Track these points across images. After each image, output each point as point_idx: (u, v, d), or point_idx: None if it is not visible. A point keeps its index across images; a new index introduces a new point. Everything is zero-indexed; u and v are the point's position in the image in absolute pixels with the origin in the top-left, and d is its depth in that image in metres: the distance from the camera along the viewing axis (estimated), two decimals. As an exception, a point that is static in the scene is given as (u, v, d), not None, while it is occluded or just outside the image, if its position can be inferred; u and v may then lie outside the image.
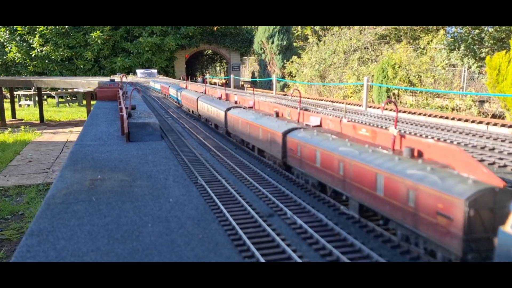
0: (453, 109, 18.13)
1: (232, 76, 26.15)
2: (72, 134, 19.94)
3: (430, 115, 10.29)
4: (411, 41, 24.69)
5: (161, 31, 36.17)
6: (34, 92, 31.31)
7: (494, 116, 16.18)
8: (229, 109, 6.46)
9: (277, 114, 6.70)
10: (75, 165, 4.78)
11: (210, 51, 46.85)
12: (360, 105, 14.32)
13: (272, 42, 34.17)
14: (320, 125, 5.35)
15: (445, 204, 2.31)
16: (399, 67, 19.90)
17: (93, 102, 21.92)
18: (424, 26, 24.61)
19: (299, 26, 38.79)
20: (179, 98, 12.13)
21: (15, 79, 26.47)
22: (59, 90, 33.49)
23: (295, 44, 35.79)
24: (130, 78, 27.55)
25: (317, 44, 29.13)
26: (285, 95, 21.95)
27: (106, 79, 21.43)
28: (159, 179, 4.34)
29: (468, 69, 20.17)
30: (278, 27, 33.78)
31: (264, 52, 35.50)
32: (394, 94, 20.01)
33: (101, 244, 2.78)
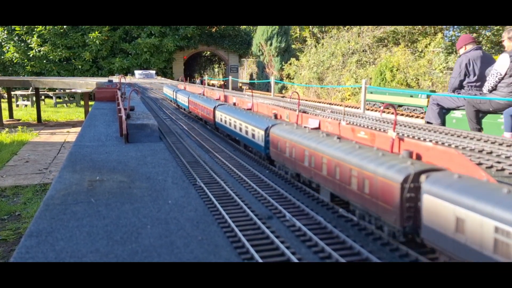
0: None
1: (230, 77, 26.17)
2: (70, 135, 19.91)
3: (428, 118, 10.31)
4: (409, 44, 24.77)
5: (159, 32, 36.18)
6: (32, 92, 31.23)
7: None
8: None
9: (275, 116, 6.72)
10: (73, 166, 4.78)
11: (208, 52, 46.89)
12: (358, 108, 14.35)
13: (271, 44, 34.23)
14: (318, 128, 5.36)
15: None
16: (397, 70, 19.98)
17: (91, 103, 21.91)
18: (422, 30, 24.69)
19: (298, 28, 38.86)
20: (266, 146, 4.92)
21: (13, 79, 26.40)
22: (57, 91, 33.43)
23: (293, 46, 35.87)
24: (128, 79, 27.53)
25: (316, 46, 29.20)
26: (283, 97, 22.00)
27: (104, 79, 21.41)
28: (158, 180, 4.34)
29: (465, 73, 20.26)
30: (276, 29, 33.84)
31: (262, 54, 35.56)
32: (392, 96, 20.06)
33: (101, 245, 2.78)
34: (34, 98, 29.43)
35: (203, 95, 9.95)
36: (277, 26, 33.53)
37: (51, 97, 34.55)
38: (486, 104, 8.22)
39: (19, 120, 25.82)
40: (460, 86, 9.13)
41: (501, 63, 8.17)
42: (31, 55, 33.92)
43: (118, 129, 6.98)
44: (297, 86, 28.20)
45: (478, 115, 8.34)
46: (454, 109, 9.22)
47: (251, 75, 40.16)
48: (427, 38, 23.67)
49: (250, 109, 7.50)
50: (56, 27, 33.74)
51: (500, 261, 1.57)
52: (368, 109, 14.96)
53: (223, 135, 6.86)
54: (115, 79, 19.72)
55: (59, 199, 3.65)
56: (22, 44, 34.31)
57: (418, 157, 3.21)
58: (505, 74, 8.03)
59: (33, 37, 33.69)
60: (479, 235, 1.80)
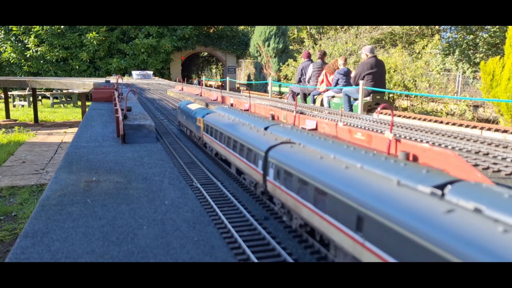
0: (447, 114, 18.25)
1: (228, 78, 26.17)
2: (67, 135, 19.85)
3: (425, 120, 10.34)
4: (406, 46, 24.84)
5: (157, 33, 36.11)
6: (29, 93, 31.13)
7: (488, 121, 16.31)
8: None
9: (273, 117, 6.72)
10: (70, 167, 4.76)
11: (206, 53, 46.85)
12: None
13: (268, 45, 34.22)
14: (316, 129, 5.37)
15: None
16: (394, 72, 20.00)
17: (88, 103, 21.85)
18: (419, 31, 24.75)
19: (295, 29, 38.88)
20: None
21: (10, 79, 26.30)
22: (54, 91, 33.32)
23: (291, 47, 35.86)
24: (126, 79, 27.47)
25: (313, 47, 29.22)
26: (280, 98, 22.05)
27: (101, 80, 21.35)
28: (154, 181, 4.33)
29: (462, 74, 20.32)
30: (274, 30, 33.83)
31: (260, 55, 35.55)
32: (389, 98, 20.11)
33: (96, 246, 2.77)
34: (31, 99, 29.33)
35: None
36: (274, 27, 33.52)
37: (48, 98, 34.42)
38: (306, 90, 15.59)
39: (15, 120, 25.70)
40: (299, 81, 16.37)
41: (310, 70, 15.42)
42: (28, 55, 33.77)
43: (115, 130, 6.97)
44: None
45: (306, 96, 15.74)
46: (298, 93, 16.23)
47: (249, 76, 40.14)
48: (424, 39, 23.75)
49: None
50: (53, 27, 33.59)
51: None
52: (275, 97, 21.52)
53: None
54: (113, 79, 19.67)
55: (55, 200, 3.63)
56: (19, 44, 34.16)
57: (415, 158, 3.21)
58: (311, 75, 15.25)
59: (30, 37, 33.54)
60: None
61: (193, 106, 6.68)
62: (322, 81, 14.51)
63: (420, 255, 1.61)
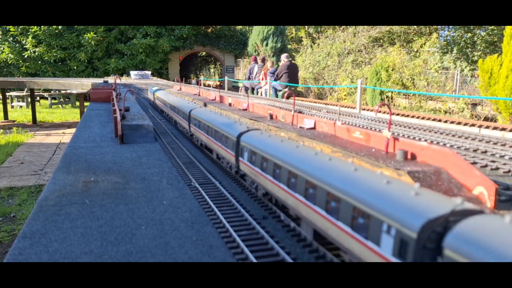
0: (446, 112, 18.25)
1: (226, 78, 26.15)
2: (65, 136, 19.82)
3: (423, 118, 10.34)
4: (405, 44, 24.83)
5: (155, 33, 36.05)
6: (27, 93, 31.06)
7: (486, 119, 16.32)
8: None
9: (271, 117, 6.72)
10: (68, 167, 4.75)
11: (204, 53, 46.81)
12: (354, 108, 14.37)
13: (266, 44, 34.18)
14: (314, 128, 5.36)
15: None
16: (392, 70, 19.99)
17: (86, 104, 21.81)
18: (417, 30, 24.76)
19: (293, 29, 38.86)
20: None
21: (8, 80, 26.24)
22: (52, 92, 33.26)
23: (289, 46, 35.83)
24: (124, 79, 27.42)
25: (311, 46, 29.22)
26: (237, 91, 22.69)
27: (99, 80, 21.31)
28: (152, 181, 4.33)
29: (460, 72, 20.33)
30: (272, 29, 33.79)
31: (258, 54, 35.50)
32: (387, 96, 20.11)
33: (95, 246, 2.76)
34: (29, 99, 29.27)
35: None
36: (273, 27, 33.46)
37: (46, 98, 34.36)
38: (253, 85, 20.57)
39: (14, 121, 25.64)
40: (249, 78, 21.05)
41: (256, 69, 20.86)
42: (26, 56, 33.70)
43: (113, 130, 6.96)
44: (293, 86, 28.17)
45: (253, 90, 20.45)
46: (248, 88, 20.88)
47: (247, 76, 40.08)
48: (422, 38, 23.76)
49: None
50: (51, 27, 33.52)
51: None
52: (234, 90, 24.39)
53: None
54: (111, 80, 19.61)
55: (53, 200, 3.62)
56: (17, 45, 34.08)
57: (413, 157, 3.21)
58: (256, 73, 20.55)
59: (28, 37, 33.46)
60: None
61: (154, 88, 12.77)
62: (263, 79, 20.17)
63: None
